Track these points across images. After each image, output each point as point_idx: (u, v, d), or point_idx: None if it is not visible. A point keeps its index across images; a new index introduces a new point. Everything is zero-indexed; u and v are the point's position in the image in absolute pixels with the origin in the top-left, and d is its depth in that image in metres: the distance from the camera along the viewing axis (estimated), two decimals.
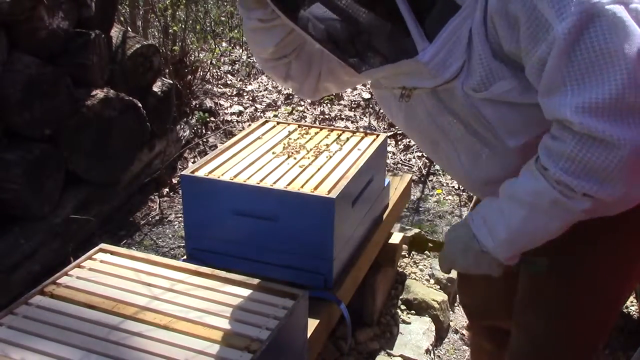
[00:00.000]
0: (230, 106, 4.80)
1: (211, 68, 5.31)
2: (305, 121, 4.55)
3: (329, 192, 1.77)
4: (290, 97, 5.08)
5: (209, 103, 4.58)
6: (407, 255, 2.90)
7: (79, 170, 2.93)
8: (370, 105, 4.86)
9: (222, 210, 1.83)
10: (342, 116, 4.71)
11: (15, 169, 2.56)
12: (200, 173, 1.87)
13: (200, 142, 4.09)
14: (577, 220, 1.17)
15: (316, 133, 2.24)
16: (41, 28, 2.70)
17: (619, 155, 1.03)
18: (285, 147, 2.07)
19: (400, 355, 2.32)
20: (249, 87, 5.33)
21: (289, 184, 1.82)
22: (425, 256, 2.94)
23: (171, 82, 3.73)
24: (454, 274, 2.82)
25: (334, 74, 1.53)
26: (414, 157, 4.05)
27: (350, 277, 1.96)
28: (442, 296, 2.68)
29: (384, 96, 1.41)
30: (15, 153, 2.60)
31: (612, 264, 1.35)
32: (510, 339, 1.57)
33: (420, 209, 3.53)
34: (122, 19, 4.83)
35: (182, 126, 4.01)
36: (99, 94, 2.99)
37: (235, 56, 6.21)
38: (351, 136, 2.22)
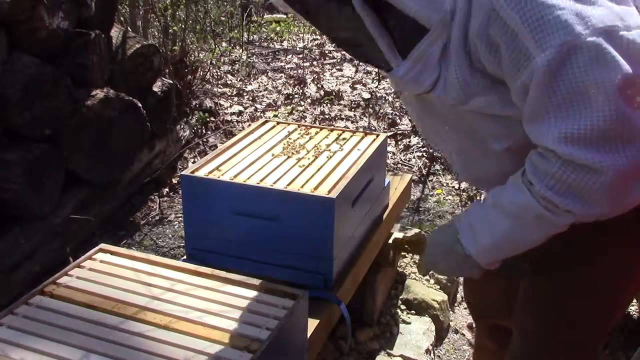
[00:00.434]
0: (230, 106, 4.80)
1: (211, 68, 5.31)
2: (305, 121, 4.56)
3: (329, 192, 1.77)
4: (290, 97, 5.08)
5: (209, 103, 4.58)
6: (406, 255, 2.90)
7: (79, 170, 2.93)
8: (370, 105, 4.86)
9: (222, 210, 1.83)
10: (342, 116, 4.71)
11: (15, 169, 2.56)
12: (200, 173, 1.87)
13: (200, 142, 4.09)
14: (560, 231, 1.20)
15: (316, 133, 2.24)
16: (41, 28, 2.70)
17: (601, 180, 1.06)
18: (285, 147, 2.07)
19: (400, 355, 2.32)
20: (249, 87, 5.33)
21: (289, 184, 1.82)
22: None
23: (171, 82, 3.73)
24: None
25: None
26: (414, 157, 4.05)
27: (350, 277, 1.96)
28: (442, 296, 2.68)
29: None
30: (15, 153, 2.60)
31: (607, 268, 1.35)
32: (512, 338, 1.57)
33: (420, 209, 3.53)
34: (122, 19, 4.83)
35: (182, 126, 4.01)
36: (99, 94, 2.99)
37: (235, 56, 6.22)
38: (351, 136, 2.22)
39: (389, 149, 4.08)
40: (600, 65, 1.01)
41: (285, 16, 8.23)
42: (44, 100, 2.68)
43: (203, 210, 1.87)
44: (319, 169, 1.93)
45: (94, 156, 2.98)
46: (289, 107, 4.84)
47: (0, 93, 2.55)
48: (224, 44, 6.48)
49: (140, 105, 3.24)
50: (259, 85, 5.43)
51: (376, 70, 5.64)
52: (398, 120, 4.57)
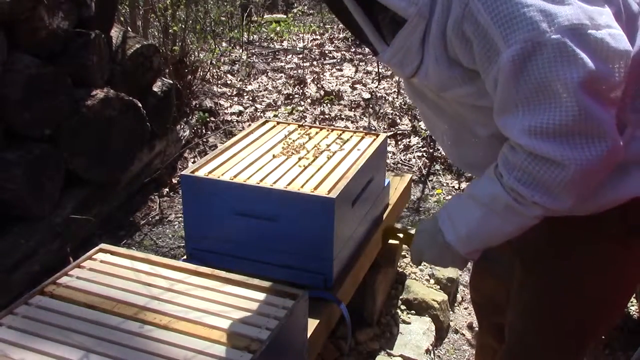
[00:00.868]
0: (230, 106, 4.80)
1: (211, 68, 5.31)
2: (305, 121, 4.55)
3: (329, 192, 1.77)
4: (290, 97, 5.09)
5: (209, 103, 4.58)
6: (406, 255, 2.90)
7: (79, 170, 2.93)
8: (370, 105, 4.86)
9: (222, 210, 1.83)
10: (342, 116, 4.71)
11: (15, 169, 2.56)
12: (200, 173, 1.87)
13: (200, 142, 4.09)
14: (532, 224, 1.22)
15: (316, 133, 2.24)
16: (41, 28, 2.70)
17: (563, 173, 1.09)
18: (285, 147, 2.07)
19: (400, 355, 2.32)
20: (249, 87, 5.33)
21: (289, 184, 1.82)
22: None
23: (171, 82, 3.73)
24: (454, 273, 2.82)
25: None
26: (414, 157, 4.05)
27: (350, 277, 1.96)
28: (442, 296, 2.68)
29: None
30: (15, 153, 2.59)
31: (588, 263, 1.35)
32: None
33: (420, 209, 3.53)
34: (122, 19, 4.83)
35: (182, 126, 4.01)
36: (99, 94, 2.99)
37: (235, 56, 6.22)
38: (351, 136, 2.22)
39: (389, 149, 4.08)
40: (564, 62, 1.03)
41: (285, 16, 8.23)
42: (44, 100, 2.68)
43: (203, 210, 1.87)
44: (319, 169, 1.93)
45: (94, 156, 2.98)
46: (289, 107, 4.84)
47: (0, 93, 2.55)
48: (224, 44, 6.48)
49: (140, 105, 3.24)
50: (259, 85, 5.43)
51: (376, 70, 5.65)
52: (398, 120, 4.57)
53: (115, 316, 1.43)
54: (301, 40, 7.07)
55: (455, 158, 1.50)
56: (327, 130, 2.26)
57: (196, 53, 4.99)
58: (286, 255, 1.82)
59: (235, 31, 7.02)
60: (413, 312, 2.59)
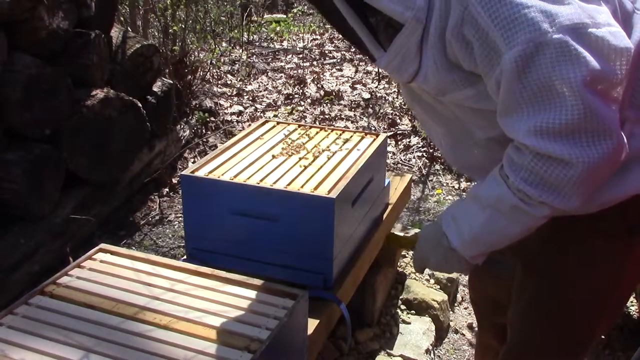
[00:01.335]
0: (230, 106, 4.80)
1: (211, 68, 5.31)
2: (305, 121, 4.56)
3: (329, 192, 1.77)
4: (290, 97, 5.09)
5: (209, 103, 4.58)
6: (407, 255, 2.90)
7: (79, 170, 2.93)
8: (370, 105, 4.86)
9: (222, 210, 1.83)
10: (342, 116, 4.71)
11: (15, 169, 2.56)
12: (200, 173, 1.87)
13: (200, 142, 4.09)
14: (538, 224, 1.22)
15: (316, 133, 2.24)
16: (41, 28, 2.70)
17: (571, 172, 1.09)
18: (285, 147, 2.07)
19: (400, 355, 2.32)
20: (249, 87, 5.33)
21: (289, 184, 1.82)
22: None
23: (171, 82, 3.73)
24: (454, 273, 2.82)
25: None
26: (414, 157, 4.05)
27: (350, 277, 1.96)
28: (442, 296, 2.68)
29: None
30: (15, 153, 2.59)
31: (586, 259, 1.35)
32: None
33: (420, 209, 3.53)
34: (122, 19, 4.83)
35: (182, 126, 4.01)
36: (99, 94, 2.99)
37: (235, 56, 6.22)
38: (351, 136, 2.22)
39: (389, 149, 4.08)
40: (567, 62, 1.03)
41: (285, 16, 8.23)
42: (44, 100, 2.68)
43: (203, 210, 1.87)
44: (319, 169, 1.93)
45: (94, 156, 2.98)
46: (289, 107, 4.84)
47: (0, 93, 2.55)
48: (224, 44, 6.48)
49: (140, 105, 3.24)
50: (259, 85, 5.43)
51: (376, 70, 5.65)
52: (398, 120, 4.57)
53: (115, 316, 1.42)
54: (301, 40, 7.08)
55: (453, 161, 1.49)
56: (327, 130, 2.26)
57: (196, 53, 4.99)
58: (286, 255, 1.82)
59: (235, 31, 7.02)
60: (413, 312, 2.59)
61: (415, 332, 2.46)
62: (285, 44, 7.04)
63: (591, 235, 1.32)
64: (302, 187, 1.81)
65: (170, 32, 4.71)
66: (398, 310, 2.57)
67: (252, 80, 5.57)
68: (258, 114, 4.72)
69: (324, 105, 4.88)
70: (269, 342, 1.33)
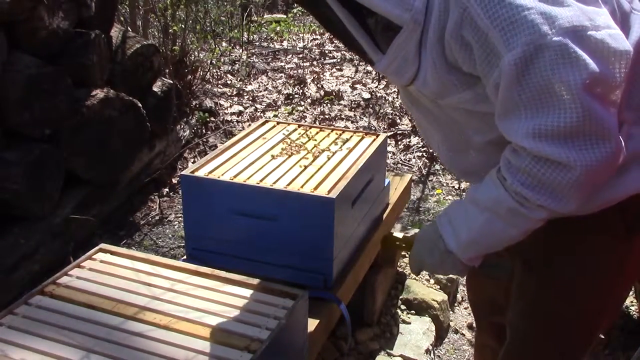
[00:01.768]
0: (230, 106, 4.80)
1: (211, 68, 5.31)
2: (305, 121, 4.56)
3: (329, 192, 1.77)
4: (290, 97, 5.09)
5: (209, 103, 4.58)
6: (407, 255, 2.90)
7: (79, 170, 2.93)
8: (370, 105, 4.86)
9: (222, 210, 1.83)
10: (342, 116, 4.71)
11: (15, 169, 2.56)
12: (200, 173, 1.87)
13: (200, 142, 4.09)
14: (535, 227, 1.21)
15: (316, 133, 2.24)
16: (41, 28, 2.70)
17: (569, 176, 1.08)
18: (285, 147, 2.07)
19: (400, 355, 2.32)
20: (249, 87, 5.33)
21: (289, 184, 1.82)
22: None
23: (171, 82, 3.73)
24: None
25: None
26: (414, 157, 4.06)
27: (350, 277, 1.96)
28: (442, 296, 2.68)
29: None
30: (15, 153, 2.59)
31: (586, 258, 1.36)
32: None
33: (420, 209, 3.53)
34: (122, 19, 4.82)
35: (182, 126, 4.01)
36: (99, 94, 2.99)
37: (235, 56, 6.22)
38: (351, 136, 2.22)
39: (389, 149, 4.08)
40: (566, 64, 1.03)
41: (285, 16, 8.23)
42: (44, 100, 2.68)
43: (203, 210, 1.87)
44: (319, 169, 1.93)
45: (94, 156, 2.98)
46: (289, 107, 4.84)
47: (0, 93, 2.55)
48: (224, 44, 6.48)
49: (140, 105, 3.24)
50: (259, 85, 5.43)
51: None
52: (398, 120, 4.57)
53: (115, 316, 1.43)
54: (301, 40, 7.07)
55: (451, 165, 1.49)
56: (327, 130, 2.26)
57: (196, 53, 4.99)
58: (286, 255, 1.82)
59: (235, 31, 7.01)
60: (413, 312, 2.59)
61: (415, 332, 2.47)
62: (285, 44, 7.04)
63: (590, 235, 1.32)
64: (302, 187, 1.81)
65: (170, 32, 4.71)
66: (398, 310, 2.57)
67: (252, 80, 5.57)
68: (258, 114, 4.72)
69: (324, 105, 4.88)
70: (269, 342, 1.33)
